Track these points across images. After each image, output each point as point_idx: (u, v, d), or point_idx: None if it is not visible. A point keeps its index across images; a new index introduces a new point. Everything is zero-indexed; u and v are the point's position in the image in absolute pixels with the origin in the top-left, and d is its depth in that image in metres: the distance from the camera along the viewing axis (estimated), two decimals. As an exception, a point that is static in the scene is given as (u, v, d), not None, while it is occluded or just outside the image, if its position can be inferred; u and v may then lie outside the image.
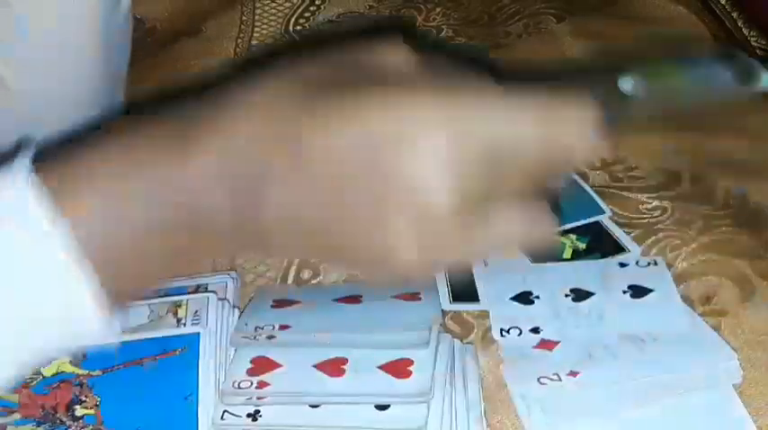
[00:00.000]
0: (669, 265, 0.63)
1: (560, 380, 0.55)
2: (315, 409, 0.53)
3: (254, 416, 0.53)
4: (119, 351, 0.57)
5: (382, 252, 0.39)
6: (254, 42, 0.96)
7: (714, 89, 0.49)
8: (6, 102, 0.63)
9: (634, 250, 0.65)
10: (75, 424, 0.54)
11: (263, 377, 0.55)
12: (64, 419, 0.55)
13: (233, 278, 0.65)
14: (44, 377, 0.56)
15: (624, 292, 0.61)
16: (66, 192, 0.37)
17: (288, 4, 1.03)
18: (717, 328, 0.59)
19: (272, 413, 0.53)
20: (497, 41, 0.94)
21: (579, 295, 0.61)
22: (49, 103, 0.65)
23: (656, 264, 0.63)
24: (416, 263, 0.39)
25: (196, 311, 0.60)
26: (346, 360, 0.56)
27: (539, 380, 0.55)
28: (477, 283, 0.64)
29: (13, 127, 0.65)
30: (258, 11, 1.03)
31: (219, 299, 0.61)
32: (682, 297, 0.61)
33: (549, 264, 0.65)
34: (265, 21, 1.01)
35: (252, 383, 0.55)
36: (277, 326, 0.59)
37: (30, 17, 0.62)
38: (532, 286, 0.62)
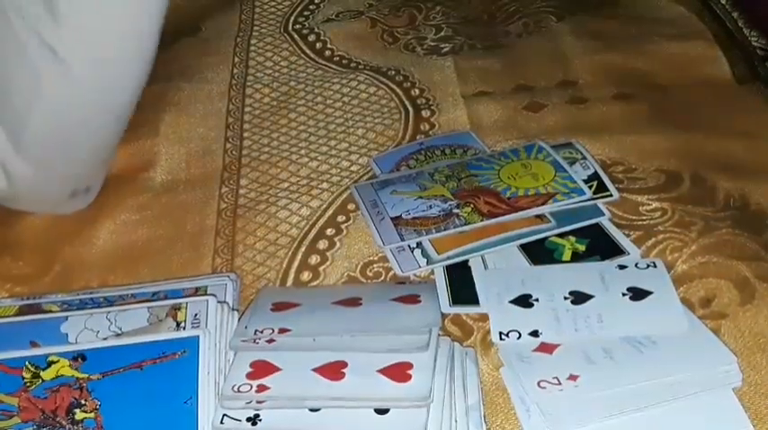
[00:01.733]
0: (669, 267, 0.63)
1: (560, 383, 0.55)
2: (314, 413, 0.53)
3: (253, 420, 0.53)
4: (118, 354, 0.57)
5: None
6: (253, 41, 0.96)
7: None
8: (71, 92, 0.64)
9: (633, 252, 0.65)
10: (75, 428, 0.54)
11: (263, 381, 0.55)
12: (64, 423, 0.55)
13: (232, 280, 0.65)
14: (44, 380, 0.56)
15: (624, 295, 0.61)
16: None
17: (287, 3, 1.03)
18: (716, 331, 0.59)
19: (271, 417, 0.53)
20: (497, 41, 0.94)
21: (579, 298, 0.61)
22: (110, 98, 0.67)
23: (655, 265, 0.63)
24: None
25: (195, 314, 0.60)
26: (346, 363, 0.56)
27: (538, 383, 0.55)
28: (476, 286, 0.64)
29: (71, 115, 0.65)
30: (258, 9, 1.03)
31: (219, 302, 0.60)
32: (681, 299, 0.61)
33: (548, 267, 0.65)
34: (264, 20, 1.00)
35: (251, 387, 0.55)
36: (276, 330, 0.59)
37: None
38: (532, 289, 0.62)
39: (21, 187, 0.69)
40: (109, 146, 0.72)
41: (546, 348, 0.58)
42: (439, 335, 0.58)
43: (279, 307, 0.62)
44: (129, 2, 0.64)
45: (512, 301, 0.62)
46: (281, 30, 0.98)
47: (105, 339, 0.59)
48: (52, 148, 0.67)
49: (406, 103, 0.85)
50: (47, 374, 0.56)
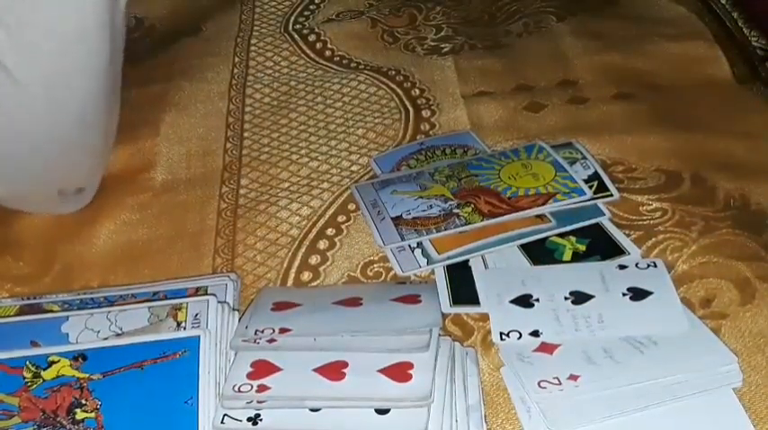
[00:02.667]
0: (669, 268, 0.63)
1: (560, 383, 0.55)
2: (315, 413, 0.53)
3: (254, 420, 0.53)
4: (119, 354, 0.57)
5: None
6: (253, 41, 0.96)
7: None
8: (15, 98, 0.63)
9: (634, 252, 0.65)
10: (76, 427, 0.54)
11: (264, 381, 0.55)
12: (64, 423, 0.55)
13: (233, 280, 0.65)
14: (44, 380, 0.56)
15: (624, 295, 0.61)
16: None
17: (287, 3, 1.03)
18: (717, 331, 0.59)
19: (272, 417, 0.53)
20: (497, 41, 0.94)
21: (579, 298, 0.61)
22: (56, 97, 0.65)
23: (655, 265, 0.63)
24: None
25: (196, 314, 0.60)
26: (346, 363, 0.56)
27: (539, 383, 0.55)
28: (477, 286, 0.64)
29: (21, 126, 0.65)
30: (258, 9, 1.03)
31: (219, 302, 0.61)
32: (682, 299, 0.61)
33: (548, 267, 0.65)
34: (265, 20, 1.00)
35: (252, 387, 0.55)
36: (277, 330, 0.59)
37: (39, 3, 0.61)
38: (532, 289, 0.62)
39: None
40: (86, 151, 0.71)
41: (546, 348, 0.58)
42: (439, 335, 0.58)
43: (279, 307, 0.62)
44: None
45: (512, 301, 0.62)
46: (282, 30, 0.98)
47: (106, 339, 0.59)
48: (4, 147, 0.66)
49: (407, 102, 0.85)
50: (47, 374, 0.56)
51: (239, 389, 0.55)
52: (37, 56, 0.62)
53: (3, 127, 0.64)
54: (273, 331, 0.59)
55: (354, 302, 0.62)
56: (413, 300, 0.62)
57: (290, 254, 0.69)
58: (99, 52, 0.65)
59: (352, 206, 0.73)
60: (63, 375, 0.56)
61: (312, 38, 0.96)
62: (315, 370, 0.56)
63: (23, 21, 0.61)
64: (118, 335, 0.59)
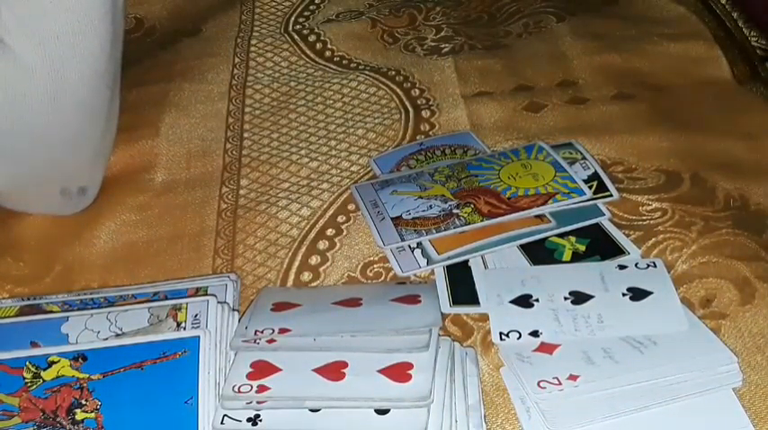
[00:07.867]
0: (669, 267, 0.63)
1: (560, 383, 0.55)
2: (315, 414, 0.53)
3: (254, 420, 0.53)
4: (119, 354, 0.57)
5: None
6: (253, 42, 0.96)
7: None
8: (20, 83, 0.63)
9: (633, 252, 0.65)
10: (76, 428, 0.54)
11: (263, 381, 0.55)
12: (64, 423, 0.55)
13: (233, 280, 0.65)
14: (44, 381, 0.56)
15: (624, 295, 0.61)
16: None
17: (287, 3, 1.03)
18: (717, 331, 0.59)
19: (272, 417, 0.53)
20: (497, 41, 0.94)
21: (579, 298, 0.61)
22: (60, 81, 0.65)
23: (655, 265, 0.63)
24: None
25: (196, 315, 0.60)
26: (346, 363, 0.56)
27: (538, 383, 0.55)
28: (477, 286, 0.64)
29: (25, 114, 0.64)
30: (258, 10, 1.03)
31: (219, 302, 0.61)
32: (681, 299, 0.61)
33: (548, 267, 0.65)
34: (265, 20, 1.00)
35: (252, 387, 0.55)
36: (277, 330, 0.59)
37: None
38: (532, 289, 0.62)
39: None
40: (88, 144, 0.71)
41: (546, 348, 0.58)
42: (439, 335, 0.58)
43: (279, 307, 0.62)
44: None
45: (512, 301, 0.62)
46: (282, 30, 0.98)
47: (106, 339, 0.59)
48: (9, 139, 0.66)
49: (407, 103, 0.85)
50: (47, 374, 0.56)
51: (239, 389, 0.55)
52: (43, 39, 0.62)
53: (7, 115, 0.64)
54: (273, 331, 0.59)
55: (354, 303, 0.62)
56: (413, 300, 0.62)
57: (290, 254, 0.69)
58: (102, 34, 0.65)
59: (351, 206, 0.73)
60: (63, 375, 0.56)
61: (312, 38, 0.96)
62: (314, 370, 0.56)
63: (30, 3, 0.61)
64: (118, 335, 0.59)
